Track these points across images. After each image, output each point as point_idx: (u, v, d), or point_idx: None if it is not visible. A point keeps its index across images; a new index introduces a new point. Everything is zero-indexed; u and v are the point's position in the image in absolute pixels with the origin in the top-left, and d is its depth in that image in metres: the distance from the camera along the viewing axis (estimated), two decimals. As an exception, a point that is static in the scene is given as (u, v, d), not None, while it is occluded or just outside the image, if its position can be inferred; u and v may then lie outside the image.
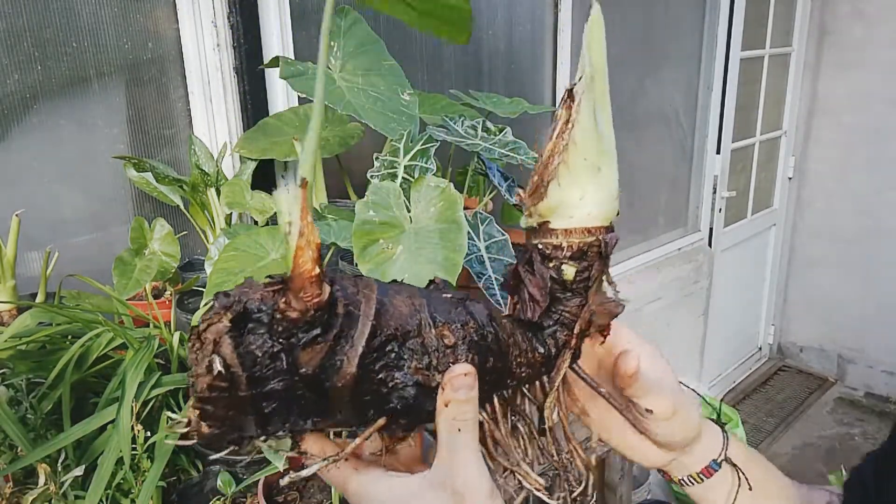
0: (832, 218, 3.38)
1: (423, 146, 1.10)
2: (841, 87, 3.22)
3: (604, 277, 0.47)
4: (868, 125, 3.15)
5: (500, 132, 1.21)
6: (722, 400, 3.04)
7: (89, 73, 1.23)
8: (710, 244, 3.04)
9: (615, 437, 0.54)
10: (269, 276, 0.38)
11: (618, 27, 2.30)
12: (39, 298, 1.09)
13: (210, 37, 1.31)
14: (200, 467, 0.91)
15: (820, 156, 3.39)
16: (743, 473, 0.55)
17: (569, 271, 0.45)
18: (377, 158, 1.19)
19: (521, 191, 0.48)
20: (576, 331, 0.47)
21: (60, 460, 0.80)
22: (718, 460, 0.55)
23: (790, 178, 3.48)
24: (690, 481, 0.55)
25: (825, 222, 3.42)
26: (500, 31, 1.90)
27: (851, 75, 3.17)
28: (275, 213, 1.18)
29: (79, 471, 0.78)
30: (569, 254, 0.45)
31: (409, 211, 0.90)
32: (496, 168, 1.30)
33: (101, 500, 0.77)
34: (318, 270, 0.36)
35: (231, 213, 1.26)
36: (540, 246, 0.46)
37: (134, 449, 0.81)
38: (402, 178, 1.14)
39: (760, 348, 3.73)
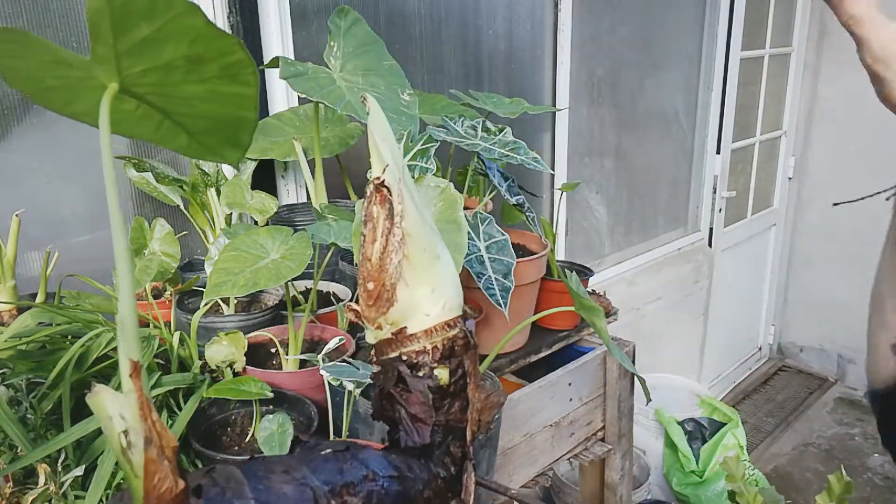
0: (832, 218, 3.38)
1: (423, 146, 1.10)
2: (841, 87, 3.22)
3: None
4: (868, 125, 3.14)
5: (500, 132, 1.21)
6: (722, 400, 3.04)
7: (89, 73, 1.23)
8: (710, 244, 3.04)
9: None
10: None
11: (618, 27, 2.30)
12: (39, 298, 1.09)
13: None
14: (200, 467, 0.91)
15: (820, 156, 3.39)
16: None
17: (443, 375, 0.41)
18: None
19: (353, 305, 0.43)
20: (468, 438, 0.42)
21: (60, 460, 0.80)
22: None
23: (790, 178, 3.48)
24: None
25: (825, 222, 3.42)
26: (500, 31, 1.90)
27: (851, 75, 3.17)
28: (275, 213, 1.19)
29: (79, 471, 0.78)
30: (437, 356, 0.40)
31: (409, 211, 0.89)
32: (496, 168, 1.31)
33: (101, 500, 0.77)
34: (181, 484, 0.28)
35: (231, 213, 1.26)
36: (404, 357, 0.41)
37: (134, 449, 0.81)
38: (402, 178, 1.14)
39: (760, 348, 3.73)
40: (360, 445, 0.40)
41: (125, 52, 0.40)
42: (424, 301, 0.41)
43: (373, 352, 0.43)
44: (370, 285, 0.41)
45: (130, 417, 0.26)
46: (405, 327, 0.41)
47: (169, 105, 0.46)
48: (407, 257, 0.40)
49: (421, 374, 0.40)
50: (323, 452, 0.38)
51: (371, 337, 0.42)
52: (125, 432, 0.26)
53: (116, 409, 0.26)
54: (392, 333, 0.41)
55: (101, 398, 0.26)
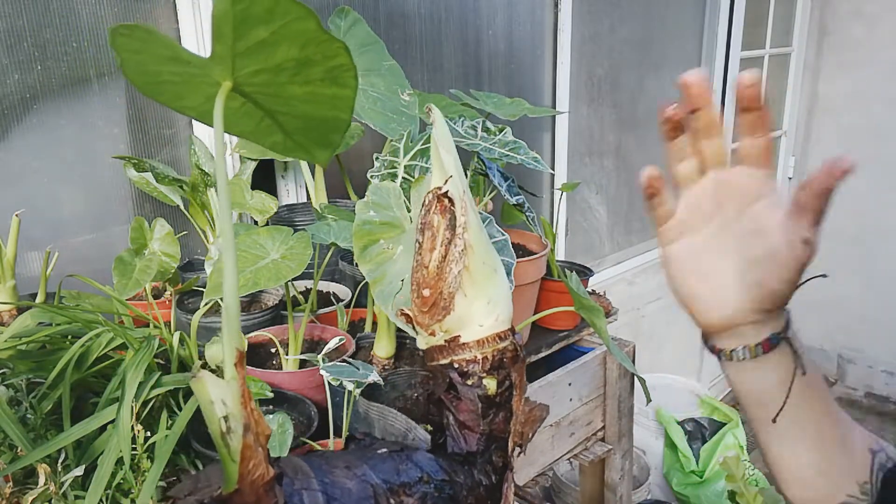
0: (832, 218, 3.35)
1: (423, 146, 1.10)
2: (841, 87, 3.23)
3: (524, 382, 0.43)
4: (868, 125, 3.15)
5: (500, 132, 1.21)
6: (722, 400, 3.04)
7: (89, 73, 1.23)
8: (710, 244, 3.04)
9: (693, 276, 0.52)
10: (200, 501, 0.29)
11: (618, 27, 2.30)
12: (39, 298, 1.09)
13: (210, 36, 1.31)
14: (200, 467, 0.91)
15: (820, 156, 3.39)
16: (799, 355, 0.52)
17: (491, 385, 0.41)
18: (377, 158, 1.19)
19: (405, 309, 0.43)
20: (510, 449, 0.42)
21: (60, 460, 0.80)
22: (780, 335, 0.52)
23: (790, 178, 3.48)
24: (744, 355, 0.52)
25: (825, 222, 3.41)
26: (500, 31, 1.90)
27: (851, 75, 3.17)
28: (275, 213, 1.19)
29: (79, 471, 0.78)
30: (486, 366, 0.41)
31: (409, 211, 0.90)
32: (496, 168, 1.30)
33: (101, 500, 0.77)
34: (272, 472, 0.29)
35: (231, 214, 1.26)
36: (455, 365, 0.41)
37: (134, 449, 0.81)
38: (403, 178, 1.14)
39: (760, 348, 3.73)
40: (411, 447, 0.41)
41: (242, 53, 0.42)
42: (479, 312, 0.41)
43: (422, 356, 0.44)
44: (426, 292, 0.41)
45: (232, 404, 0.27)
46: (459, 336, 0.41)
47: (272, 104, 0.48)
48: (467, 268, 0.41)
49: (470, 382, 0.41)
50: (379, 451, 0.39)
51: (423, 342, 0.42)
52: (226, 417, 0.26)
53: (218, 395, 0.27)
54: (445, 341, 0.41)
55: (204, 383, 0.27)
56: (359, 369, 0.85)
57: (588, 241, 2.50)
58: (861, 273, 3.30)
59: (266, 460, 0.28)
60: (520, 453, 0.44)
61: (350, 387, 0.82)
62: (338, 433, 0.87)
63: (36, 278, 1.11)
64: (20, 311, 1.01)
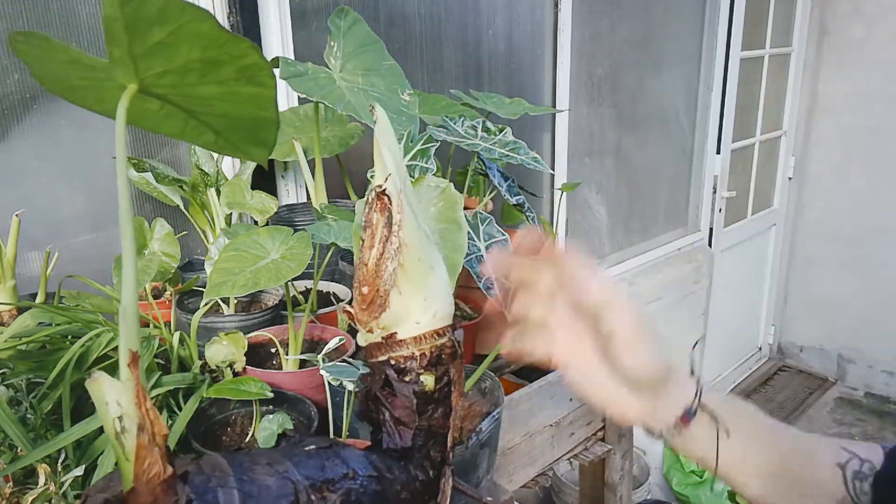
0: (832, 218, 3.38)
1: (423, 146, 1.10)
2: (841, 87, 3.22)
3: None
4: (868, 125, 3.14)
5: (500, 132, 1.21)
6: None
7: (89, 73, 1.23)
8: (710, 244, 3.04)
9: (591, 389, 0.53)
10: (105, 499, 0.29)
11: (618, 27, 2.30)
12: (39, 298, 1.09)
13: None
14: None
15: (820, 156, 3.39)
16: (718, 420, 0.54)
17: (428, 381, 0.42)
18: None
19: (346, 307, 0.44)
20: (449, 444, 0.43)
21: (60, 460, 0.80)
22: (693, 408, 0.54)
23: (790, 178, 3.48)
24: (672, 434, 0.54)
25: (825, 222, 3.42)
26: (500, 31, 1.90)
27: (851, 75, 3.17)
28: (275, 213, 1.18)
29: (79, 471, 0.78)
30: (424, 363, 0.42)
31: (409, 211, 0.89)
32: (496, 168, 1.30)
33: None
34: (169, 470, 0.29)
35: (231, 213, 1.26)
36: (392, 361, 0.42)
37: (134, 449, 0.81)
38: (402, 178, 1.14)
39: (760, 348, 3.73)
40: (342, 444, 0.41)
41: (141, 55, 0.41)
42: (416, 309, 0.41)
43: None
44: (365, 289, 0.41)
45: (126, 404, 0.27)
46: (395, 332, 0.42)
47: (190, 105, 0.48)
48: (402, 266, 0.41)
49: (407, 378, 0.41)
50: (307, 448, 0.39)
51: (362, 339, 0.43)
52: (120, 418, 0.27)
53: (113, 396, 0.27)
54: (382, 338, 0.42)
55: (100, 384, 0.28)
56: (359, 369, 0.85)
57: (588, 241, 2.50)
58: (861, 273, 3.30)
59: (164, 459, 0.28)
60: (459, 447, 0.45)
61: (350, 387, 0.82)
62: (338, 433, 0.87)
63: (36, 278, 1.11)
64: (20, 311, 1.01)
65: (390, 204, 0.41)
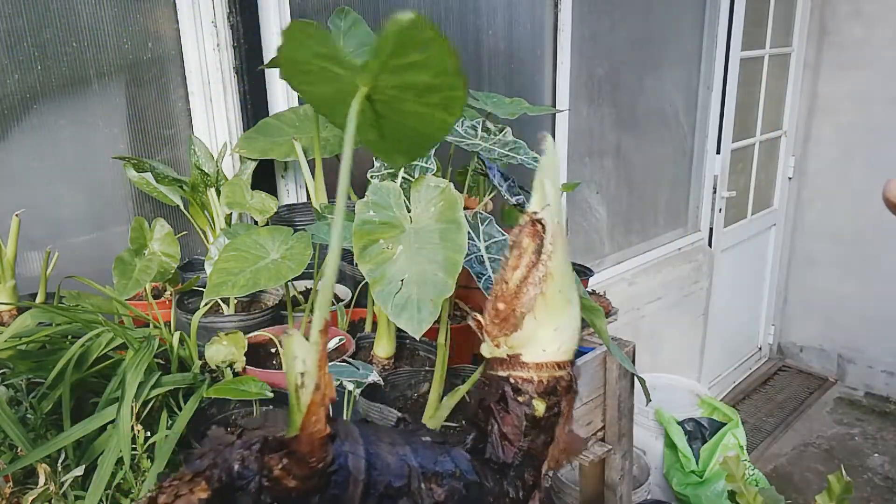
0: (832, 218, 3.38)
1: (423, 146, 1.10)
2: (841, 87, 3.23)
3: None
4: (868, 125, 3.15)
5: (500, 132, 1.21)
6: (722, 400, 3.04)
7: (89, 73, 1.23)
8: (710, 244, 3.04)
9: None
10: (265, 436, 0.32)
11: (618, 27, 2.30)
12: (39, 298, 1.09)
13: (210, 37, 1.31)
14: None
15: (820, 156, 3.39)
16: None
17: (539, 407, 0.43)
18: (377, 158, 1.19)
19: (478, 316, 0.46)
20: (543, 470, 0.44)
21: (60, 460, 0.80)
22: None
23: (790, 178, 3.48)
24: None
25: (825, 222, 3.42)
26: (500, 31, 1.90)
27: (851, 75, 3.17)
28: (275, 213, 1.18)
29: (79, 471, 0.78)
30: (539, 389, 0.43)
31: (409, 211, 0.90)
32: (496, 168, 1.30)
33: (101, 500, 0.77)
34: (328, 430, 0.32)
35: (231, 213, 1.26)
36: (512, 380, 0.43)
37: (134, 449, 0.81)
38: (402, 178, 1.14)
39: (760, 348, 3.73)
40: (451, 442, 0.43)
41: (390, 69, 0.48)
42: (545, 337, 0.43)
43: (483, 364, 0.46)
44: (501, 306, 0.43)
45: (310, 364, 0.31)
46: (521, 354, 0.43)
47: (388, 112, 0.54)
48: (543, 294, 0.42)
49: (521, 399, 0.43)
50: (423, 438, 0.42)
51: (486, 351, 0.44)
52: (302, 373, 0.31)
53: (301, 354, 0.31)
54: (507, 355, 0.43)
55: (293, 340, 0.31)
56: (359, 369, 0.85)
57: (588, 241, 2.50)
58: (861, 273, 3.30)
59: (325, 419, 0.31)
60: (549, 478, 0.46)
61: (350, 387, 0.82)
62: (338, 433, 0.87)
63: (36, 278, 1.11)
64: (20, 311, 1.01)
65: (543, 233, 0.43)
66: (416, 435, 0.42)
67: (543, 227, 0.43)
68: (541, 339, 0.43)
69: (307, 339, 0.33)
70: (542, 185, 0.44)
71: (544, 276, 0.42)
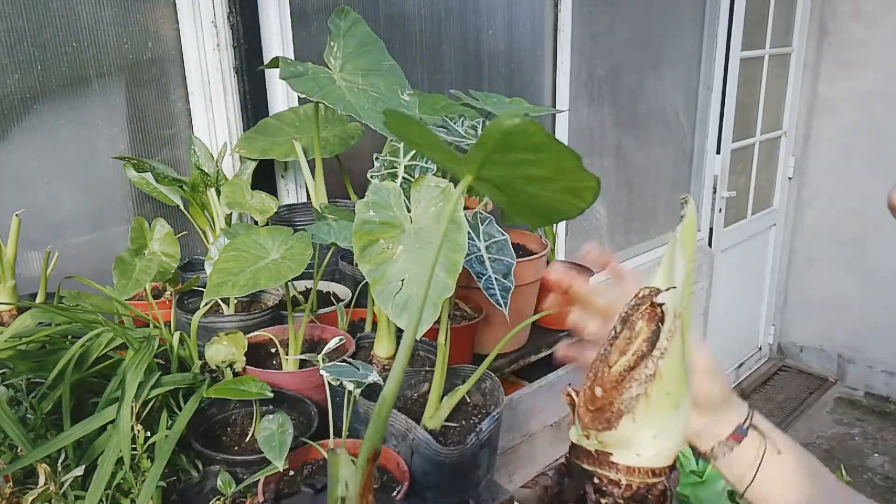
0: (832, 218, 3.38)
1: (423, 146, 1.10)
2: (841, 87, 3.22)
3: None
4: (868, 125, 3.14)
5: (500, 132, 1.21)
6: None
7: (89, 73, 1.23)
8: (710, 244, 3.04)
9: None
10: None
11: (618, 27, 2.30)
12: (39, 299, 1.09)
13: (210, 37, 1.31)
14: (200, 467, 0.91)
15: (820, 156, 3.38)
16: (767, 438, 0.57)
17: None
18: (377, 158, 1.18)
19: (572, 392, 0.41)
20: None
21: (60, 460, 0.80)
22: (745, 426, 0.58)
23: (790, 178, 3.48)
24: (721, 451, 0.58)
25: (825, 222, 3.42)
26: (500, 31, 1.90)
27: (851, 75, 3.17)
28: (275, 213, 1.18)
29: (79, 471, 0.78)
30: (628, 493, 0.38)
31: (409, 211, 0.90)
32: (496, 168, 1.30)
33: (101, 500, 0.77)
34: None
35: (231, 213, 1.26)
36: (596, 479, 0.39)
37: (134, 449, 0.81)
38: (403, 178, 1.14)
39: (760, 348, 3.73)
40: None
41: (492, 162, 0.45)
42: (643, 442, 0.38)
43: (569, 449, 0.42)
44: (598, 391, 0.38)
45: (352, 489, 0.29)
46: (611, 454, 0.39)
47: (511, 193, 0.52)
48: (647, 395, 0.38)
49: (604, 502, 0.39)
50: None
51: (574, 436, 0.40)
52: (343, 499, 0.30)
53: (345, 476, 0.30)
54: (596, 450, 0.39)
55: (339, 461, 0.30)
56: (359, 369, 0.85)
57: (588, 241, 2.49)
58: (861, 273, 3.30)
59: None
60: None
61: (350, 387, 0.82)
62: (338, 433, 0.87)
63: (36, 278, 1.11)
64: (20, 311, 1.01)
65: (661, 323, 0.38)
66: None
67: (662, 315, 0.38)
68: (637, 442, 0.38)
69: (353, 460, 0.30)
70: (672, 260, 0.40)
71: (652, 375, 0.37)
